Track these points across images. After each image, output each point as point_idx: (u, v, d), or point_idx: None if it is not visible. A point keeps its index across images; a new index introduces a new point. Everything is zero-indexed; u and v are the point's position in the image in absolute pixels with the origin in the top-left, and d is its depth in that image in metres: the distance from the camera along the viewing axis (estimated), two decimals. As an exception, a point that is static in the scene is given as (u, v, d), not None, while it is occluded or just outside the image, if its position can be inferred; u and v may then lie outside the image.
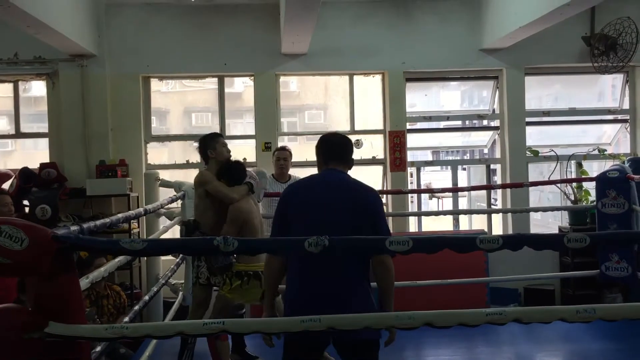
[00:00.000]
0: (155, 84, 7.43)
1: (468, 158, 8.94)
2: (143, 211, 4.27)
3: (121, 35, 7.04)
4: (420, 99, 7.95)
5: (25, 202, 6.53)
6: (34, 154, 7.37)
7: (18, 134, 7.25)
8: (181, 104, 7.80)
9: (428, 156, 8.27)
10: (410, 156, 7.53)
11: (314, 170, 3.17)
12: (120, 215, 3.51)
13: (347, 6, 7.14)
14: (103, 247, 1.99)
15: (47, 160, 6.91)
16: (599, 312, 1.97)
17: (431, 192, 7.47)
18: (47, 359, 1.92)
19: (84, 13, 6.53)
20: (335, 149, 3.05)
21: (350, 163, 3.08)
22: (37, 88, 7.40)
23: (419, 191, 7.38)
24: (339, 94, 7.64)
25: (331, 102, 7.81)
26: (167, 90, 7.76)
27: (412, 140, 7.56)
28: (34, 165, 6.72)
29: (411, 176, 8.03)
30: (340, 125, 7.57)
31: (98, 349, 2.94)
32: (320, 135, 3.18)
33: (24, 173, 6.57)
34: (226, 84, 7.46)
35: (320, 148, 3.09)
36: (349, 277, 2.85)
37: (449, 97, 8.22)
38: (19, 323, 1.87)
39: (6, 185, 6.49)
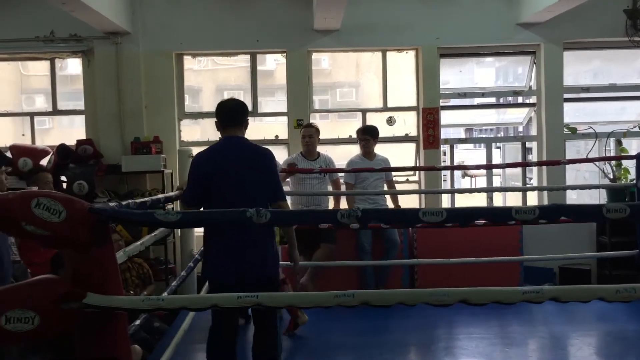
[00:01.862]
0: (188, 62, 7.45)
1: (502, 136, 8.76)
2: (174, 195, 4.28)
3: (154, 12, 7.07)
4: (454, 75, 7.82)
5: (63, 178, 6.66)
6: (71, 131, 7.50)
7: (55, 112, 7.38)
8: (213, 82, 7.83)
9: (461, 134, 8.17)
10: (444, 134, 7.43)
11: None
12: (161, 195, 3.54)
13: (381, -19, 7.04)
14: (138, 219, 2.01)
15: (83, 137, 7.02)
16: (639, 292, 1.92)
17: (465, 168, 7.39)
18: (86, 330, 1.95)
19: (118, -10, 6.57)
20: (230, 113, 3.51)
21: (245, 124, 3.57)
22: (73, 66, 7.50)
23: (452, 168, 7.28)
24: (372, 71, 7.55)
25: (364, 79, 7.74)
26: (199, 69, 7.78)
27: (445, 117, 7.46)
28: (70, 142, 6.84)
29: (444, 154, 7.96)
30: (372, 102, 7.51)
31: (137, 322, 3.00)
32: (218, 102, 3.61)
33: (62, 149, 6.70)
34: (258, 62, 7.44)
35: (218, 114, 3.54)
36: (263, 234, 3.38)
37: (484, 73, 8.06)
38: (58, 293, 1.90)
39: (44, 162, 6.62)
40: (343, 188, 6.35)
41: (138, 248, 3.10)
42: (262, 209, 1.94)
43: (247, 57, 7.40)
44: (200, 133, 7.57)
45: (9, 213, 1.84)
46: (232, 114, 3.52)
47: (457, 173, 12.45)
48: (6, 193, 1.88)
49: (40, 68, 7.44)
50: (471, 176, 11.75)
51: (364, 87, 7.75)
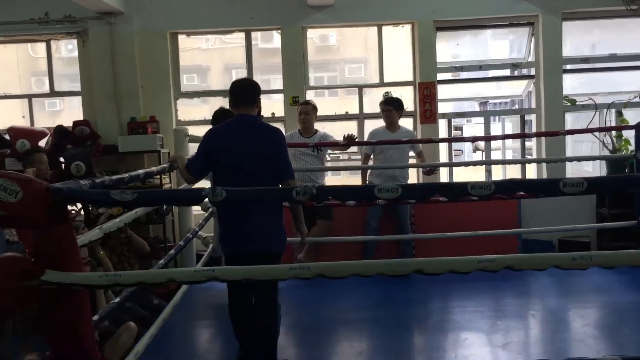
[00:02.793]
0: (194, 41, 7.43)
1: (501, 109, 8.68)
2: (168, 167, 4.32)
3: (148, -9, 7.05)
4: (451, 49, 7.73)
5: (61, 159, 6.72)
6: (68, 113, 7.55)
7: (52, 93, 7.42)
8: (221, 60, 7.80)
9: (473, 107, 8.10)
10: (457, 107, 7.38)
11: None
12: (140, 170, 3.56)
13: (374, -46, 6.93)
14: (94, 198, 2.03)
15: (80, 118, 7.06)
16: (595, 259, 1.91)
17: (462, 140, 7.34)
18: (46, 307, 1.99)
19: (109, -30, 6.54)
20: (242, 92, 3.59)
21: (258, 103, 3.67)
22: (69, 48, 7.52)
23: (449, 140, 7.25)
24: (373, 46, 7.47)
25: (359, 54, 7.68)
26: (207, 47, 7.79)
27: (446, 91, 7.41)
28: (68, 123, 6.88)
29: (455, 129, 7.90)
30: (369, 77, 7.47)
31: (117, 299, 3.04)
32: (232, 81, 3.68)
33: (59, 131, 6.74)
34: (263, 39, 7.42)
35: (231, 93, 3.62)
36: (273, 209, 3.50)
37: (489, 44, 7.95)
38: (18, 271, 1.94)
39: (42, 143, 6.67)
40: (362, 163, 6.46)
41: (116, 224, 3.13)
42: (218, 188, 1.95)
43: (256, 34, 7.37)
44: (209, 112, 7.52)
45: (-35, 193, 1.87)
46: (244, 93, 3.59)
47: (469, 148, 12.40)
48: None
49: (36, 50, 7.47)
50: (482, 151, 11.66)
51: (361, 62, 7.69)
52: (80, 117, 7.06)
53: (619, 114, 7.37)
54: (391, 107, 6.21)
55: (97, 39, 6.98)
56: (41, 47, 7.44)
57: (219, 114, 4.71)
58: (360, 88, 7.40)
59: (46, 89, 7.47)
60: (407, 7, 7.09)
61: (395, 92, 7.29)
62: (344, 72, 8.02)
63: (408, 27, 7.35)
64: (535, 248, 6.95)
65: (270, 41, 7.58)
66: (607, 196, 6.82)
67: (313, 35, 7.51)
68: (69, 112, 7.80)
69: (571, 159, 6.69)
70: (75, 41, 7.25)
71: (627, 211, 6.39)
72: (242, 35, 7.34)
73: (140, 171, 3.34)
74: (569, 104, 7.23)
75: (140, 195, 1.97)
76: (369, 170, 6.36)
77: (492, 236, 6.14)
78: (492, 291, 5.62)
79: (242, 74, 7.34)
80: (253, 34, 7.39)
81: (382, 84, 7.33)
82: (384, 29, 7.32)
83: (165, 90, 7.18)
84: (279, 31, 7.22)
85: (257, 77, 7.35)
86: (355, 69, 8.12)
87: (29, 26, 7.01)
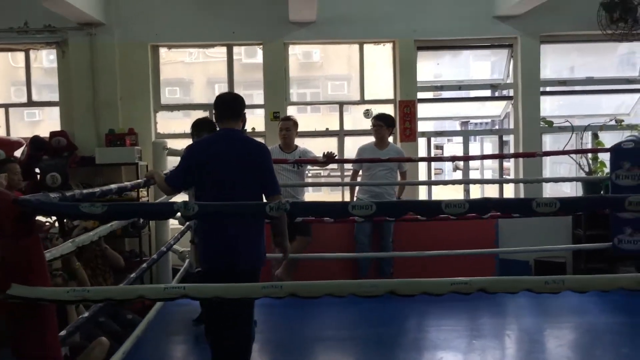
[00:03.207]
0: (178, 55, 7.44)
1: (480, 129, 8.76)
2: (143, 182, 4.27)
3: (129, 3, 7.01)
4: (432, 68, 7.80)
5: (37, 170, 6.62)
6: (47, 123, 7.46)
7: (30, 103, 7.33)
8: (203, 74, 7.78)
9: (454, 126, 8.16)
10: (442, 126, 7.44)
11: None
12: (113, 185, 3.50)
13: (357, -28, 6.99)
14: (64, 211, 2.00)
15: (58, 129, 6.98)
16: (567, 284, 1.92)
17: (441, 160, 7.39)
18: (12, 321, 1.94)
19: (90, -19, 6.51)
20: (226, 106, 3.55)
21: (242, 118, 3.62)
22: (50, 58, 7.44)
23: (429, 159, 7.28)
24: (350, 63, 7.52)
25: (342, 71, 7.72)
26: (190, 61, 7.78)
27: (428, 110, 7.45)
28: (46, 134, 6.79)
29: (436, 148, 7.94)
30: (351, 94, 7.50)
31: (86, 314, 2.97)
32: (216, 95, 3.64)
33: (35, 141, 6.64)
34: (247, 54, 7.42)
35: (215, 107, 3.57)
36: (256, 227, 3.48)
37: (471, 65, 8.05)
38: (-19, 285, 1.89)
39: (17, 153, 6.57)
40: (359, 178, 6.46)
41: (90, 237, 3.08)
42: (190, 202, 1.93)
43: (239, 49, 7.41)
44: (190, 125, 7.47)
45: None
46: (228, 107, 3.55)
47: (449, 167, 12.48)
48: None
49: (15, 59, 7.40)
50: (462, 170, 11.74)
51: (343, 79, 7.73)
52: (59, 128, 6.97)
53: (595, 136, 7.48)
54: (382, 123, 6.23)
55: (77, 49, 6.92)
56: (21, 56, 7.37)
57: (198, 123, 4.71)
58: (341, 105, 7.42)
59: (25, 98, 7.39)
60: (388, 26, 7.14)
61: (376, 109, 7.33)
62: (326, 88, 8.05)
63: (389, 46, 7.40)
64: (512, 268, 6.98)
65: (253, 56, 7.58)
66: (583, 217, 6.89)
67: (297, 52, 7.54)
68: (48, 123, 7.69)
69: (548, 180, 6.75)
70: (55, 51, 7.19)
71: (602, 232, 6.44)
72: (224, 49, 7.32)
73: (112, 185, 3.29)
74: (546, 125, 7.32)
75: (110, 208, 1.93)
76: (356, 187, 6.37)
77: (470, 255, 6.16)
78: (468, 310, 5.63)
79: (225, 88, 7.32)
80: (236, 49, 7.39)
81: (363, 101, 7.36)
82: (366, 46, 7.37)
83: (144, 103, 7.13)
84: (261, 46, 7.23)
85: (238, 92, 7.31)
86: (338, 86, 8.15)
87: (7, 35, 6.93)
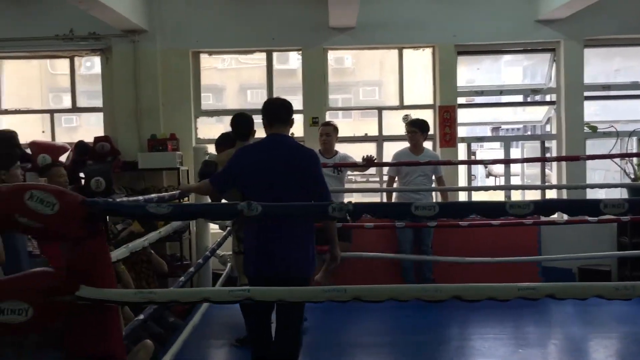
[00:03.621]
0: (212, 61, 7.52)
1: (522, 134, 8.63)
2: (177, 195, 4.29)
3: (171, 10, 7.12)
4: (472, 72, 7.73)
5: (81, 175, 6.74)
6: (90, 128, 7.60)
7: (75, 109, 7.48)
8: (236, 80, 7.84)
9: (486, 132, 8.07)
10: (468, 132, 7.37)
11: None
12: (153, 195, 3.54)
13: (397, -23, 6.97)
14: (130, 211, 2.03)
15: (99, 134, 7.10)
16: (638, 290, 1.87)
17: (482, 163, 7.30)
18: (78, 322, 1.96)
19: (134, -12, 6.63)
20: (276, 112, 3.50)
21: (291, 123, 3.59)
22: (87, 65, 7.60)
23: (468, 162, 7.21)
24: (388, 69, 7.50)
25: (381, 77, 7.70)
26: (223, 67, 7.84)
27: (464, 115, 7.38)
28: (89, 139, 6.92)
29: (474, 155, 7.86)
30: (389, 100, 7.47)
31: (142, 316, 3.00)
32: (265, 100, 3.62)
33: (80, 146, 6.77)
34: (280, 60, 7.46)
35: (264, 113, 3.52)
36: (297, 224, 3.33)
37: (503, 70, 7.96)
38: (52, 286, 1.92)
39: (62, 158, 6.70)
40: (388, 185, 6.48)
41: (141, 244, 3.11)
42: (253, 203, 1.93)
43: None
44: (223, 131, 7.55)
45: (2, 205, 1.85)
46: (278, 112, 3.51)
47: (482, 173, 12.32)
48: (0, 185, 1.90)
49: (60, 66, 7.55)
50: (495, 176, 11.61)
51: (382, 84, 7.70)
52: (98, 134, 7.09)
53: (640, 141, 7.31)
54: (416, 129, 6.19)
55: (120, 56, 7.05)
56: (60, 63, 7.53)
57: (225, 138, 4.76)
58: (380, 110, 7.39)
59: (65, 104, 7.52)
60: (428, 31, 7.11)
61: (415, 115, 7.27)
62: (358, 94, 8.03)
63: (429, 51, 7.36)
64: (556, 276, 6.84)
65: (285, 62, 7.60)
66: (629, 225, 6.72)
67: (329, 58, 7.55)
68: (85, 129, 7.85)
69: (592, 186, 6.60)
70: (95, 58, 7.34)
71: (649, 240, 6.30)
72: (257, 55, 7.40)
73: (153, 195, 3.30)
74: (591, 130, 7.18)
75: (175, 208, 1.94)
76: (394, 194, 6.33)
77: (512, 262, 6.05)
78: (512, 319, 5.52)
79: (257, 94, 7.38)
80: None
81: (402, 106, 7.33)
82: (405, 51, 7.34)
83: (185, 108, 7.22)
84: (300, 52, 7.26)
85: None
86: (370, 92, 8.12)
87: (53, 42, 7.09)
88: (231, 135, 4.59)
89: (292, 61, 7.66)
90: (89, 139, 6.89)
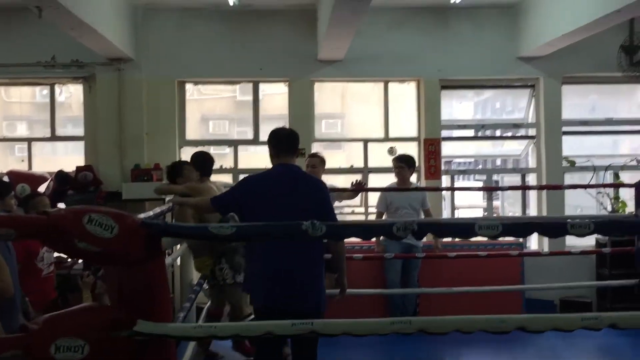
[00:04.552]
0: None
1: (502, 167, 8.79)
2: (168, 209, 4.20)
3: (158, 39, 7.06)
4: (455, 106, 7.89)
5: (61, 205, 6.53)
6: (68, 158, 7.39)
7: (54, 137, 7.28)
8: (198, 111, 7.72)
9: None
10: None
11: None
12: (150, 212, 3.44)
13: (383, 13, 7.06)
14: (191, 232, 1.95)
15: (81, 163, 6.91)
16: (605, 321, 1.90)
17: (468, 190, 7.42)
18: (134, 357, 1.87)
19: (123, 17, 6.57)
20: (285, 142, 3.46)
21: (297, 153, 3.55)
22: (72, 92, 7.44)
23: (453, 189, 7.30)
24: (373, 101, 7.58)
25: (363, 109, 7.74)
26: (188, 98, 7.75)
27: (445, 148, 7.50)
28: (68, 168, 6.72)
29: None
30: (374, 132, 7.52)
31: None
32: (271, 130, 3.59)
33: (60, 176, 6.59)
34: (242, 92, 7.53)
35: (272, 142, 3.48)
36: (312, 253, 3.27)
37: (485, 105, 8.15)
38: (107, 321, 1.82)
39: (42, 188, 6.49)
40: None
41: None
42: (317, 222, 1.88)
43: (233, 87, 7.57)
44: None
45: (63, 230, 1.76)
46: (286, 142, 3.46)
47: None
48: (58, 209, 1.81)
49: (39, 93, 7.38)
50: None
51: (364, 117, 7.72)
52: (74, 163, 6.92)
53: (617, 176, 7.55)
54: (403, 164, 6.19)
55: (104, 84, 6.92)
56: (14, 91, 7.41)
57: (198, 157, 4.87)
58: (366, 142, 7.44)
59: (19, 133, 7.38)
60: (413, 65, 7.23)
61: (400, 147, 7.35)
62: (348, 124, 8.02)
63: (414, 84, 7.49)
64: (538, 307, 6.93)
65: (248, 94, 7.54)
66: (608, 256, 6.88)
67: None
68: (55, 156, 7.63)
69: (575, 218, 6.73)
70: (66, 87, 7.24)
71: (627, 272, 6.42)
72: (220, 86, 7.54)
73: (150, 212, 3.19)
74: (569, 164, 7.38)
75: (239, 229, 1.88)
76: None
77: (497, 294, 6.10)
78: (505, 351, 5.53)
79: (220, 124, 7.39)
80: (231, 87, 7.59)
81: (387, 138, 7.40)
82: (390, 84, 7.45)
83: (170, 138, 7.11)
84: (287, 83, 7.28)
85: (233, 128, 7.73)
86: (331, 124, 8.15)
87: (34, 69, 6.90)
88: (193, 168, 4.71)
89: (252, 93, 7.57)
90: (59, 168, 6.73)
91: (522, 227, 2.07)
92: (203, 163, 4.81)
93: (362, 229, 2.01)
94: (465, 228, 1.98)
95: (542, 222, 2.12)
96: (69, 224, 1.77)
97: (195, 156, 4.91)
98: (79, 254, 1.79)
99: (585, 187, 6.58)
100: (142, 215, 2.61)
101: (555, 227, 2.06)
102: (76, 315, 1.86)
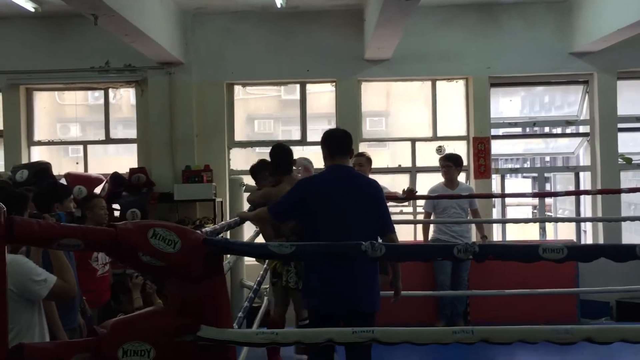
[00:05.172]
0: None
1: (555, 165, 8.60)
2: (232, 223, 4.26)
3: (207, 42, 7.18)
4: (502, 103, 7.76)
5: (115, 206, 6.71)
6: (120, 158, 7.59)
7: (108, 140, 7.48)
8: (244, 110, 7.79)
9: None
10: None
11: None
12: (209, 227, 3.50)
13: (431, 11, 7.00)
14: (252, 251, 1.98)
15: (133, 164, 7.09)
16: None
17: (522, 196, 7.26)
18: (197, 363, 1.91)
19: (173, 22, 6.70)
20: (339, 143, 3.50)
21: (351, 154, 3.64)
22: (122, 94, 7.64)
23: (507, 195, 7.16)
24: (421, 100, 7.51)
25: (410, 107, 7.68)
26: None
27: (495, 147, 7.38)
28: (122, 170, 6.90)
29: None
30: (422, 131, 7.46)
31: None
32: (325, 130, 3.63)
33: (115, 178, 6.75)
34: (287, 91, 7.59)
35: (326, 144, 3.52)
36: (371, 265, 3.31)
37: (535, 102, 7.98)
38: (172, 326, 1.87)
39: (97, 190, 6.67)
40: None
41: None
42: (377, 243, 1.89)
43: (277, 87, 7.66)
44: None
45: (128, 243, 1.82)
46: (340, 143, 3.50)
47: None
48: (124, 223, 1.87)
49: (68, 97, 7.66)
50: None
51: (414, 115, 7.65)
52: (125, 165, 7.09)
53: (675, 173, 7.29)
54: (451, 164, 6.13)
55: (155, 88, 7.08)
56: (70, 94, 7.63)
57: (260, 166, 4.73)
58: (414, 141, 7.39)
59: (72, 135, 7.60)
60: (461, 63, 7.15)
61: (449, 146, 7.28)
62: (393, 123, 7.97)
63: (462, 82, 7.39)
64: (594, 308, 6.76)
65: (293, 93, 7.59)
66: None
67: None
68: (109, 158, 7.82)
69: (632, 219, 6.53)
70: (130, 89, 7.38)
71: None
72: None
73: (208, 228, 3.23)
74: (625, 162, 7.17)
75: (298, 248, 1.91)
76: (430, 228, 6.25)
77: (549, 295, 5.97)
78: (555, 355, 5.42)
79: (266, 124, 7.39)
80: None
81: (435, 137, 7.33)
82: (438, 83, 7.38)
83: (219, 139, 7.22)
84: (334, 84, 7.29)
85: (278, 127, 7.86)
86: (376, 122, 8.09)
87: (89, 74, 7.13)
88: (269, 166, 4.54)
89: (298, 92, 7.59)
90: (113, 169, 6.86)
91: (588, 252, 2.01)
92: (277, 163, 4.44)
93: (422, 250, 2.01)
94: (529, 252, 1.95)
95: (609, 247, 2.06)
96: (134, 238, 1.81)
97: (271, 154, 4.50)
98: (143, 267, 1.83)
99: (641, 190, 6.33)
100: (208, 229, 2.68)
101: (623, 251, 2.00)
102: (142, 319, 1.92)
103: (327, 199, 3.34)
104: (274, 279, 4.86)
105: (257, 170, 4.86)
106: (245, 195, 6.70)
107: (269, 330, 1.89)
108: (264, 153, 7.55)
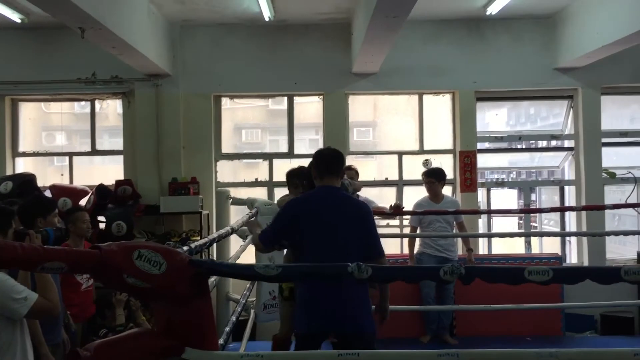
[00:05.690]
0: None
1: (540, 179, 8.66)
2: (230, 230, 4.23)
3: (194, 55, 7.18)
4: (488, 116, 7.82)
5: (101, 219, 6.66)
6: (107, 170, 7.55)
7: (94, 152, 7.44)
8: (231, 120, 7.79)
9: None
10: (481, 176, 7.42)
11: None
12: (209, 236, 3.47)
13: (419, 25, 7.05)
14: (237, 272, 1.98)
15: (119, 175, 7.05)
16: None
17: (508, 212, 7.30)
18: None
19: (161, 34, 6.69)
20: (329, 163, 3.40)
21: (342, 174, 3.49)
22: (109, 103, 7.61)
23: (493, 212, 7.20)
24: (408, 113, 7.56)
25: (396, 120, 7.72)
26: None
27: (480, 160, 7.43)
28: (107, 181, 6.85)
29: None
30: (409, 144, 7.49)
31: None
32: (316, 150, 3.56)
33: (100, 190, 6.70)
34: (274, 101, 7.61)
35: (315, 163, 3.43)
36: (361, 286, 3.26)
37: (520, 116, 8.05)
38: (156, 348, 1.86)
39: (83, 202, 6.62)
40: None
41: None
42: (363, 265, 1.89)
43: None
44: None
45: (113, 265, 1.80)
46: (328, 164, 3.40)
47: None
48: (108, 244, 1.85)
49: (79, 108, 7.58)
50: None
51: (401, 128, 7.68)
52: (115, 174, 7.09)
53: (658, 187, 7.37)
54: (433, 179, 6.13)
55: (142, 99, 7.05)
56: (56, 103, 7.61)
57: (295, 173, 4.48)
58: (400, 154, 7.42)
59: (57, 144, 7.56)
60: (448, 77, 7.20)
61: (435, 159, 7.32)
62: (382, 135, 7.99)
63: (448, 96, 7.44)
64: (578, 322, 6.80)
65: (280, 103, 7.61)
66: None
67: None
68: (94, 170, 7.77)
69: (616, 233, 6.62)
70: (116, 101, 7.36)
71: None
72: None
73: (202, 240, 3.17)
74: (609, 176, 7.24)
75: (284, 270, 1.90)
76: (416, 242, 6.25)
77: (535, 309, 6.00)
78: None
79: (253, 133, 7.40)
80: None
81: (421, 151, 7.37)
82: (425, 97, 7.42)
83: (206, 152, 7.21)
84: (321, 96, 7.32)
85: (265, 137, 7.78)
86: (363, 133, 8.11)
87: (75, 85, 7.09)
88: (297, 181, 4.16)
89: (284, 103, 7.59)
90: (99, 181, 6.84)
91: (573, 274, 2.03)
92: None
93: (408, 272, 2.02)
94: (515, 274, 1.96)
95: (594, 269, 2.09)
96: (119, 259, 1.80)
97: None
98: (128, 288, 1.82)
99: (629, 206, 6.36)
100: (195, 244, 2.64)
101: (608, 274, 2.02)
102: (126, 341, 1.90)
103: (312, 220, 3.28)
104: (288, 299, 4.69)
105: (288, 176, 4.40)
106: (232, 208, 6.72)
107: (253, 353, 1.88)
108: (252, 164, 7.62)
